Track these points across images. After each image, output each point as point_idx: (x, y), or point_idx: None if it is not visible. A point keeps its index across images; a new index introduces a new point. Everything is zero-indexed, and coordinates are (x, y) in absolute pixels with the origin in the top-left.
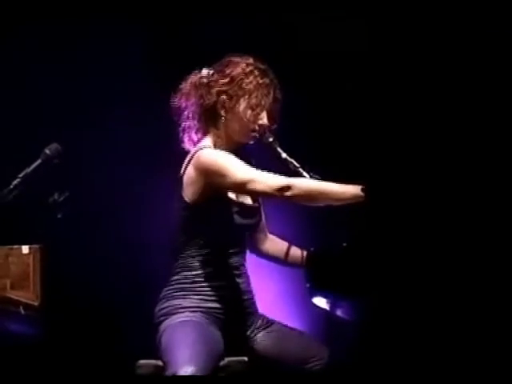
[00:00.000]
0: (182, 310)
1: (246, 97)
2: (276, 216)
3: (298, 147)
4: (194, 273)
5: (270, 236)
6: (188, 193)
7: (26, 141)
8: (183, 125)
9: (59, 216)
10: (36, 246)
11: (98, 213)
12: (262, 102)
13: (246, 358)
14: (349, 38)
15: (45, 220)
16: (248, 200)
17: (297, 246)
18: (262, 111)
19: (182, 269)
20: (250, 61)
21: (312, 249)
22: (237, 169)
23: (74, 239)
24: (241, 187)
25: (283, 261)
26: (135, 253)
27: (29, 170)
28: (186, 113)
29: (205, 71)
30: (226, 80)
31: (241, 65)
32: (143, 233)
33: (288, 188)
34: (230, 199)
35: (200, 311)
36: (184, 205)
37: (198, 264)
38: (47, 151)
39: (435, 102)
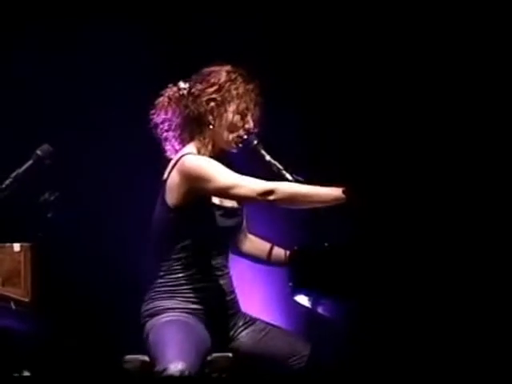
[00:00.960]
0: (168, 311)
1: (235, 102)
2: (258, 217)
3: (295, 148)
4: (177, 275)
5: (250, 236)
6: (171, 197)
7: (25, 141)
8: (164, 135)
9: (49, 215)
10: (27, 244)
11: (95, 212)
12: (250, 106)
13: (230, 354)
14: (348, 37)
15: (36, 219)
16: (231, 203)
17: (277, 245)
18: (249, 115)
19: (165, 272)
20: (231, 68)
21: (296, 247)
22: (220, 174)
23: (67, 239)
24: (225, 192)
25: (263, 260)
26: (130, 252)
27: (20, 170)
28: (164, 125)
29: (182, 84)
30: (214, 88)
31: (223, 72)
32: (139, 233)
33: (271, 192)
34: (214, 203)
35: (185, 312)
36: (167, 209)
37: (181, 267)
38: (39, 152)
39: (434, 101)
